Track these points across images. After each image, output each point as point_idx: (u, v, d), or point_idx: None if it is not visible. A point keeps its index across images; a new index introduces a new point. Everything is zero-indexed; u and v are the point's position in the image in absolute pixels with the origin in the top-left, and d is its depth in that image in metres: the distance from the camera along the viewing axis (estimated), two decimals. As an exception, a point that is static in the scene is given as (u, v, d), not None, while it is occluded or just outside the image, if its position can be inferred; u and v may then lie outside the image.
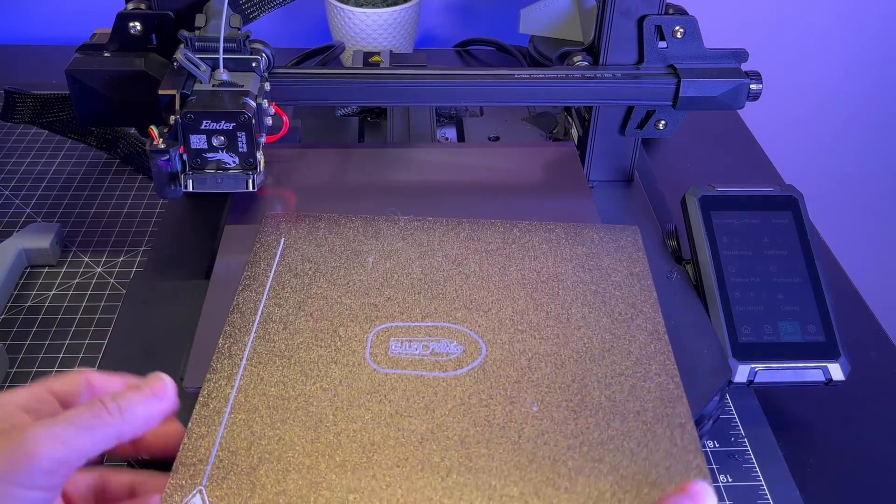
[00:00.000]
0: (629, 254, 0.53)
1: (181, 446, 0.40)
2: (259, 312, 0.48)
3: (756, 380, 0.52)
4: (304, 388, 0.43)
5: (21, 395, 0.37)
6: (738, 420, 0.56)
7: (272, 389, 0.43)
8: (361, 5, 0.94)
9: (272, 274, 0.50)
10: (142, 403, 0.37)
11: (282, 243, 0.53)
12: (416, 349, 0.46)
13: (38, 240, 0.67)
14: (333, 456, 0.40)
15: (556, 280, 0.51)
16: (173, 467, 0.39)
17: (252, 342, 0.46)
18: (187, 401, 0.42)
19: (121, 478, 0.40)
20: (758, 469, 0.52)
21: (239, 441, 0.40)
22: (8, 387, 0.56)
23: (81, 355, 0.59)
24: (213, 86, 0.53)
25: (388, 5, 0.94)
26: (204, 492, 0.38)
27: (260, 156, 0.53)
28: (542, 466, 0.40)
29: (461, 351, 0.46)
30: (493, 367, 0.45)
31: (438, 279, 0.50)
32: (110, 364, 0.49)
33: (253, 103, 0.52)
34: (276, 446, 0.40)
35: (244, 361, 0.45)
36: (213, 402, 0.42)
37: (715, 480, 0.51)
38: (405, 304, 0.48)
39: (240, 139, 0.51)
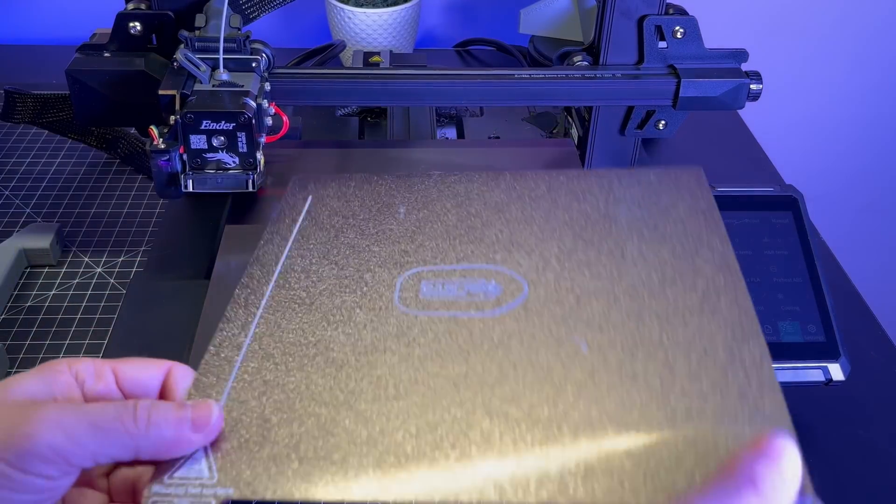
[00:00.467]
0: (692, 191, 0.47)
1: (187, 395, 0.37)
2: (280, 263, 0.45)
3: (756, 380, 0.52)
4: (324, 334, 0.40)
5: (61, 378, 0.34)
6: (738, 420, 0.55)
7: (290, 336, 0.41)
8: (361, 5, 0.94)
9: (297, 228, 0.48)
10: (175, 426, 0.33)
11: (308, 200, 0.50)
12: (451, 290, 0.42)
13: (38, 240, 0.67)
14: (354, 405, 0.37)
15: (607, 219, 0.45)
16: None
17: (271, 291, 0.43)
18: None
19: None
20: (758, 469, 0.52)
21: (250, 391, 0.38)
22: (8, 387, 0.56)
23: (81, 355, 0.59)
24: (213, 86, 0.53)
25: (388, 5, 0.94)
26: (209, 448, 0.35)
27: (260, 156, 0.53)
28: (578, 410, 0.35)
29: (500, 291, 0.41)
30: (536, 306, 0.40)
31: (476, 225, 0.46)
32: (110, 364, 0.49)
33: (253, 103, 0.52)
34: (290, 395, 0.37)
35: (260, 310, 0.42)
36: (224, 351, 0.40)
37: (715, 480, 0.51)
38: (439, 249, 0.45)
39: (240, 139, 0.51)
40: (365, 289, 0.43)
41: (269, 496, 0.35)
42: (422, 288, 0.42)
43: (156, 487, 0.34)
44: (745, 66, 0.61)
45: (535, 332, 0.39)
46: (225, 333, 0.41)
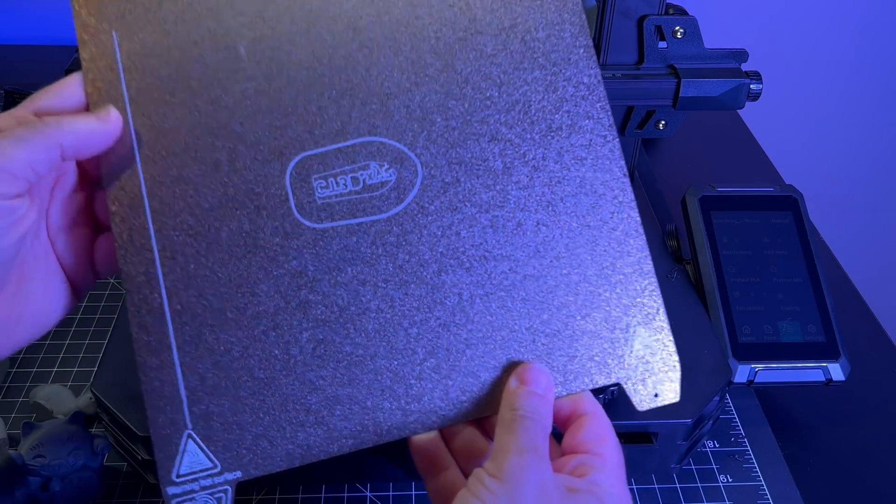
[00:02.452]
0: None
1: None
2: (141, 179, 0.38)
3: (756, 380, 0.52)
4: (245, 277, 0.38)
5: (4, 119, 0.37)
6: (738, 420, 0.56)
7: (209, 288, 0.38)
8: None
9: (127, 104, 0.39)
10: (82, 121, 0.37)
11: (115, 40, 0.39)
12: (346, 184, 0.39)
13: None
14: (304, 354, 0.38)
15: (474, 34, 0.41)
16: None
17: (151, 222, 0.38)
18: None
19: None
20: (758, 469, 0.52)
21: (200, 361, 0.38)
22: (8, 387, 0.56)
23: (81, 355, 0.59)
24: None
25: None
26: (198, 438, 0.37)
27: None
28: (519, 317, 0.39)
29: (396, 176, 0.39)
30: (435, 190, 0.39)
31: (336, 63, 0.40)
32: (110, 364, 0.49)
33: None
34: (246, 362, 0.38)
35: (157, 256, 0.38)
36: (147, 319, 0.38)
37: (715, 480, 0.51)
38: (310, 116, 0.39)
39: None
40: (257, 201, 0.39)
41: (275, 469, 0.37)
42: (315, 188, 0.39)
43: (170, 489, 0.36)
44: (745, 66, 0.61)
45: (446, 224, 0.39)
46: (135, 297, 0.38)
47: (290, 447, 0.37)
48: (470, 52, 0.40)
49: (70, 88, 0.39)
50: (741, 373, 0.52)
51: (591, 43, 0.41)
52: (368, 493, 0.50)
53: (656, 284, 0.40)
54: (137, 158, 0.38)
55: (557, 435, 0.38)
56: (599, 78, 0.41)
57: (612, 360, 0.39)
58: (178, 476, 0.36)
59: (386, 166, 0.39)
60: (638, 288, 0.40)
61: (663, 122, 0.64)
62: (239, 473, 0.37)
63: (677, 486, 0.51)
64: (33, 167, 0.35)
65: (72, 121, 0.37)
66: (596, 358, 0.39)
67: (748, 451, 0.53)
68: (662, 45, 0.61)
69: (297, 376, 0.37)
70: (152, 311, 0.37)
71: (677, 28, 0.60)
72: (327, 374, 0.38)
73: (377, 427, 0.38)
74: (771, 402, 0.57)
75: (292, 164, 0.39)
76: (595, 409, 0.39)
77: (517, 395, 0.37)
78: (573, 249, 0.39)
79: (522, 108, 0.40)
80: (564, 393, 0.39)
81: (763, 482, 0.51)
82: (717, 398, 0.50)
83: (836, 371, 0.53)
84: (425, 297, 0.39)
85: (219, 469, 0.36)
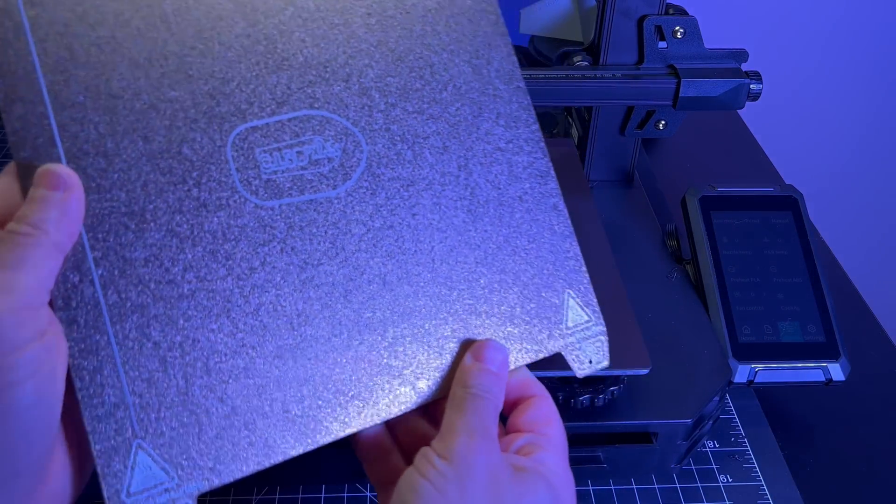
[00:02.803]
0: None
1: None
2: (58, 146, 0.34)
3: (756, 380, 0.52)
4: (186, 261, 0.35)
5: None
6: (738, 420, 0.56)
7: (146, 272, 0.34)
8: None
9: (38, 69, 0.34)
10: (49, 206, 0.32)
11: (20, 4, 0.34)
12: (291, 159, 0.37)
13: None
14: (261, 346, 0.35)
15: (403, 12, 0.41)
16: None
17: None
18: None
19: None
20: (758, 469, 0.52)
21: (146, 360, 0.34)
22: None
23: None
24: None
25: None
26: (150, 448, 0.33)
27: None
28: (461, 294, 0.39)
29: (341, 152, 0.38)
30: (379, 167, 0.39)
31: (270, 32, 0.38)
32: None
33: None
34: (195, 354, 0.34)
35: (86, 241, 0.34)
36: (79, 314, 0.33)
37: (715, 480, 0.51)
38: (247, 84, 0.37)
39: None
40: (195, 174, 0.35)
41: (240, 475, 0.34)
42: (259, 162, 0.36)
43: None
44: (745, 66, 0.61)
45: (392, 205, 0.39)
46: (63, 287, 0.33)
47: (254, 449, 0.34)
48: (401, 31, 0.40)
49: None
50: (741, 373, 0.52)
51: (507, 32, 0.43)
52: (368, 493, 0.50)
53: (580, 254, 0.42)
54: (53, 123, 0.34)
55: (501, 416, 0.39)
56: (519, 73, 0.43)
57: (551, 329, 0.40)
58: (128, 494, 0.32)
59: (331, 141, 0.38)
60: (569, 263, 0.41)
61: (663, 122, 0.64)
62: (200, 485, 0.33)
63: (677, 486, 0.51)
64: (44, 285, 0.31)
65: (40, 215, 0.32)
66: (536, 328, 0.40)
67: (748, 451, 0.53)
68: (662, 45, 0.61)
69: (254, 369, 0.35)
70: (84, 303, 0.33)
71: (677, 28, 0.60)
72: (287, 366, 0.35)
73: (341, 420, 0.36)
74: (771, 402, 0.57)
75: (234, 134, 0.36)
76: (542, 391, 0.39)
77: (471, 373, 0.37)
78: (512, 224, 0.40)
79: (454, 89, 0.41)
80: (511, 367, 0.39)
81: (763, 482, 0.51)
82: (717, 398, 0.50)
83: (836, 371, 0.53)
84: (376, 280, 0.38)
85: (176, 482, 0.33)
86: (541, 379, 0.49)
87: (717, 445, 0.54)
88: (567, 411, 0.48)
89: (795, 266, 0.55)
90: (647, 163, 0.74)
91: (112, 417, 0.32)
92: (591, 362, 0.41)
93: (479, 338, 0.39)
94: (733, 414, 0.56)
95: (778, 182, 0.79)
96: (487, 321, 0.39)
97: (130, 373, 0.33)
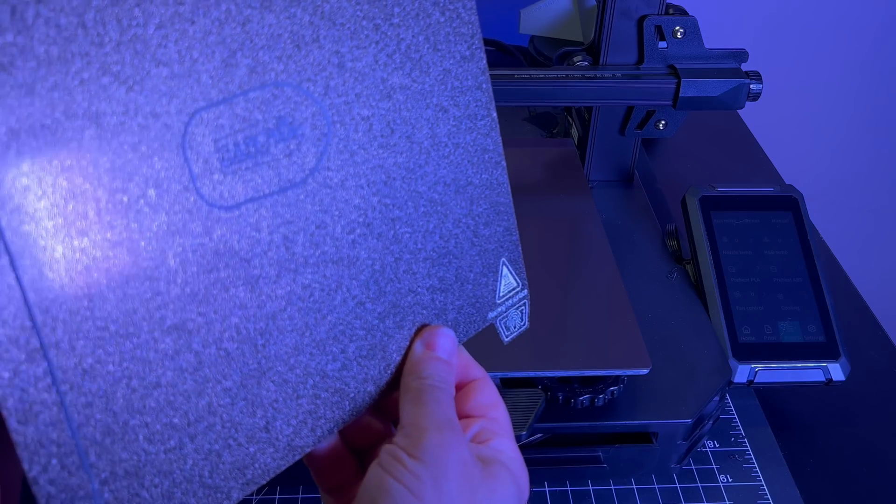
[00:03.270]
0: None
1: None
2: None
3: (756, 380, 0.52)
4: (128, 274, 0.29)
5: None
6: (738, 420, 0.56)
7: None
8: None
9: None
10: None
11: None
12: (256, 148, 0.31)
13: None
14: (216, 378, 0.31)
15: None
16: None
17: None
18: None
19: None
20: (758, 469, 0.52)
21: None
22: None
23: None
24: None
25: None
26: (101, 486, 0.29)
27: None
28: (403, 282, 0.37)
29: (306, 132, 0.33)
30: (346, 145, 0.34)
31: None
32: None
33: None
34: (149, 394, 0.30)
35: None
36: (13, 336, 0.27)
37: (715, 480, 0.51)
38: (187, 63, 0.30)
39: None
40: (150, 175, 0.29)
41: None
42: (222, 152, 0.31)
43: None
44: (745, 66, 0.61)
45: (364, 183, 0.35)
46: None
47: (229, 480, 0.32)
48: None
49: None
50: (741, 373, 0.52)
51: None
52: (368, 493, 0.50)
53: (514, 218, 0.40)
54: None
55: None
56: (482, 55, 0.39)
57: (488, 302, 0.39)
58: None
59: (292, 119, 0.33)
60: (503, 227, 0.40)
61: (663, 122, 0.64)
62: None
63: (677, 486, 0.51)
64: None
65: None
66: (476, 304, 0.39)
67: (748, 451, 0.53)
68: (662, 45, 0.61)
69: (212, 388, 0.32)
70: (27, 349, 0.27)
71: (677, 28, 0.60)
72: (252, 383, 0.33)
73: (312, 431, 0.35)
74: (771, 402, 0.57)
75: (188, 122, 0.30)
76: (482, 373, 0.38)
77: (424, 362, 0.35)
78: (460, 199, 0.38)
79: (415, 63, 0.36)
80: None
81: (763, 482, 0.51)
82: (717, 398, 0.50)
83: (836, 371, 0.53)
84: (342, 275, 0.35)
85: None
86: (540, 379, 0.49)
87: (717, 445, 0.54)
88: (567, 411, 0.48)
89: (795, 266, 0.56)
90: (647, 163, 0.74)
91: (58, 463, 0.28)
92: (515, 327, 0.41)
93: (422, 321, 0.37)
94: (733, 414, 0.56)
95: (778, 182, 0.79)
96: (443, 300, 0.38)
97: (77, 406, 0.29)
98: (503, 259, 0.40)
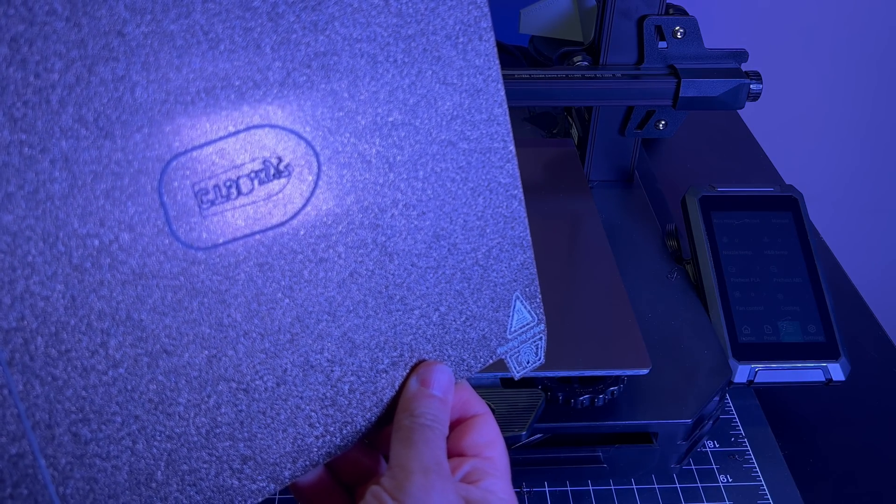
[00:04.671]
0: None
1: None
2: None
3: (756, 380, 0.52)
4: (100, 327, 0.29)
5: None
6: (738, 420, 0.56)
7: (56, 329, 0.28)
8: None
9: None
10: None
11: None
12: (238, 190, 0.31)
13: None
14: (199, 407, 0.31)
15: None
16: None
17: None
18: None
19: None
20: (758, 469, 0.52)
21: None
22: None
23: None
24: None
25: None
26: None
27: None
28: (401, 315, 0.36)
29: (292, 171, 0.32)
30: (336, 184, 0.33)
31: (190, 39, 0.29)
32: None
33: None
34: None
35: None
36: None
37: (715, 480, 0.51)
38: (168, 104, 0.29)
39: None
40: (126, 222, 0.29)
41: None
42: (197, 199, 0.30)
43: None
44: (745, 66, 0.61)
45: (354, 220, 0.34)
46: None
47: None
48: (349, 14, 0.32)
49: None
50: (741, 373, 0.52)
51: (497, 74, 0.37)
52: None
53: (532, 254, 0.39)
54: None
55: None
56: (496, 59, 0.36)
57: (497, 337, 0.38)
58: None
59: (280, 160, 0.31)
60: (519, 262, 0.39)
61: (663, 122, 0.64)
62: None
63: (677, 486, 0.51)
64: None
65: None
66: (484, 338, 0.38)
67: (748, 451, 0.53)
68: (662, 45, 0.61)
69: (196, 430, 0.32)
70: None
71: (677, 28, 0.60)
72: (231, 421, 0.32)
73: (294, 462, 0.34)
74: (771, 402, 0.57)
75: (165, 168, 0.29)
76: (483, 408, 0.37)
77: (417, 400, 0.34)
78: (468, 234, 0.37)
79: (420, 97, 0.35)
80: (460, 379, 0.38)
81: (763, 482, 0.51)
82: (717, 398, 0.50)
83: (836, 371, 0.53)
84: (325, 317, 0.34)
85: None
86: (540, 379, 0.49)
87: (717, 445, 0.54)
88: (567, 411, 0.48)
89: (795, 266, 0.56)
90: (647, 163, 0.74)
91: None
92: (528, 363, 0.40)
93: (419, 356, 0.36)
94: (733, 414, 0.56)
95: (778, 182, 0.79)
96: (442, 335, 0.37)
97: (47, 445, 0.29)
98: (517, 293, 0.39)
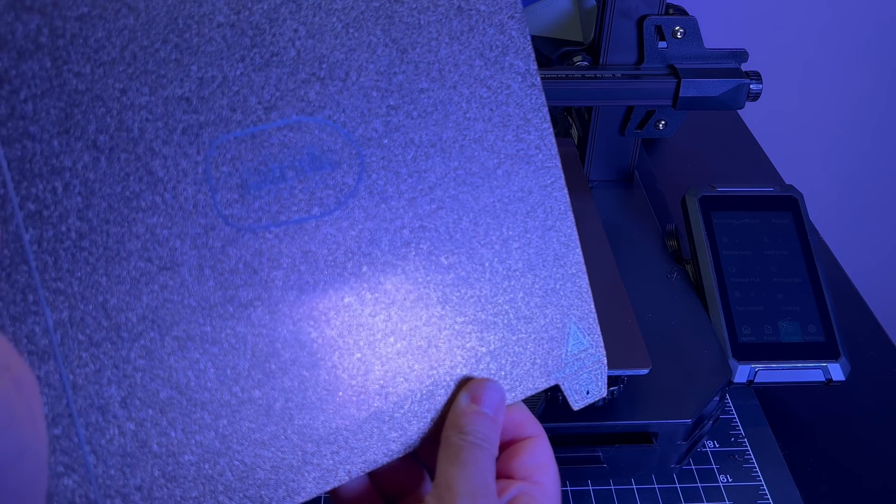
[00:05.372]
0: None
1: None
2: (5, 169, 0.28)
3: (756, 380, 0.52)
4: (150, 304, 0.30)
5: None
6: (738, 420, 0.56)
7: (103, 317, 0.29)
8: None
9: None
10: None
11: None
12: (278, 176, 0.32)
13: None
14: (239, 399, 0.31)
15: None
16: None
17: (30, 240, 0.28)
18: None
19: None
20: (758, 469, 0.52)
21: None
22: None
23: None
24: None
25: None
26: None
27: None
28: (455, 327, 0.35)
29: (336, 165, 0.33)
30: (379, 180, 0.34)
31: (258, 20, 0.31)
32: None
33: None
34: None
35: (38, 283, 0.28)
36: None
37: (715, 480, 0.51)
38: (229, 85, 0.31)
39: None
40: (168, 197, 0.30)
41: None
42: (244, 181, 0.31)
43: None
44: (745, 66, 0.61)
45: (397, 216, 0.34)
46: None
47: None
48: (408, 20, 0.34)
49: None
50: (741, 373, 0.52)
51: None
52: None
53: (587, 280, 0.39)
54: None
55: None
56: (539, 86, 0.37)
57: (551, 362, 0.38)
58: None
59: (325, 153, 0.32)
60: (576, 288, 0.38)
61: (663, 122, 0.64)
62: None
63: (677, 486, 0.51)
64: None
65: None
66: (537, 362, 0.38)
67: (748, 451, 0.53)
68: (662, 45, 0.61)
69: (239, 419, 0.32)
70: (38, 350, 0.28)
71: (677, 28, 0.60)
72: (263, 420, 0.32)
73: (322, 476, 0.34)
74: (771, 402, 0.57)
75: (213, 148, 0.30)
76: (539, 431, 0.36)
77: (467, 417, 0.33)
78: (527, 255, 0.37)
79: (464, 91, 0.35)
80: (508, 402, 0.37)
81: (763, 482, 0.51)
82: (717, 398, 0.50)
83: (836, 371, 0.53)
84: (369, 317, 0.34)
85: None
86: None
87: (717, 445, 0.54)
88: (567, 411, 0.48)
89: (795, 266, 0.55)
90: (647, 163, 0.74)
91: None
92: (588, 393, 0.39)
93: (474, 374, 0.36)
94: (733, 414, 0.56)
95: (778, 182, 0.79)
96: (496, 354, 0.36)
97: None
98: (573, 321, 0.38)
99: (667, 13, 0.61)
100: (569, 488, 0.51)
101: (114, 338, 0.29)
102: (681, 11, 0.61)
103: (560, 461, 0.50)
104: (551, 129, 0.37)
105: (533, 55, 0.36)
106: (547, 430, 0.48)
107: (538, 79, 0.36)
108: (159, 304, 0.30)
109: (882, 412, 0.57)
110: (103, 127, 0.29)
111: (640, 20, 0.60)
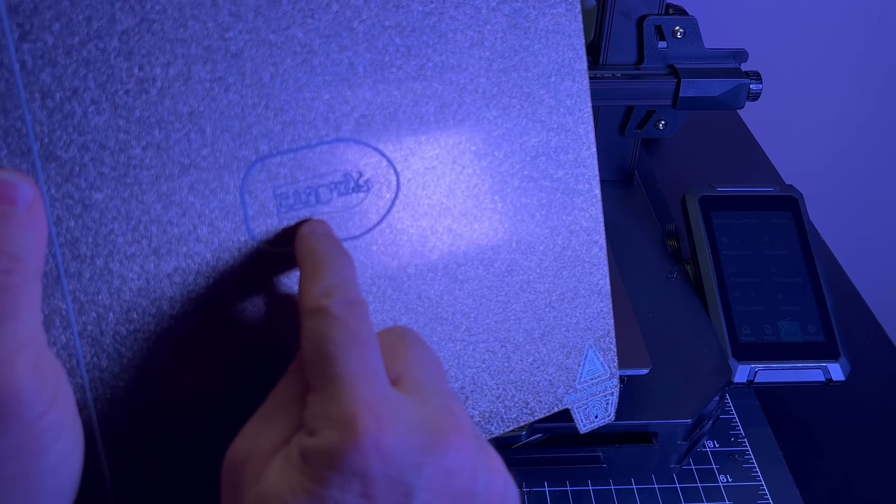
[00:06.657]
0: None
1: None
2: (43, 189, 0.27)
3: (756, 380, 0.52)
4: (181, 318, 0.30)
5: None
6: (738, 420, 0.56)
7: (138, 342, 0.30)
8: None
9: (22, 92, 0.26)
10: (16, 226, 0.25)
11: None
12: (315, 197, 0.31)
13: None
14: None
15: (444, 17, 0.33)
16: None
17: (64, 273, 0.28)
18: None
19: None
20: (758, 469, 0.52)
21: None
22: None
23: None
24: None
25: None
26: None
27: None
28: (478, 350, 0.36)
29: (371, 187, 0.32)
30: (411, 205, 0.34)
31: (287, 50, 0.30)
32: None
33: None
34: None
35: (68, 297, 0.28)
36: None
37: (715, 480, 0.51)
38: (260, 109, 0.30)
39: None
40: (201, 209, 0.30)
41: None
42: (277, 202, 0.31)
43: None
44: (745, 66, 0.61)
45: (432, 229, 0.34)
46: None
47: None
48: (461, 35, 0.33)
49: None
50: (741, 373, 0.52)
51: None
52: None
53: (610, 304, 0.39)
54: (38, 165, 0.27)
55: None
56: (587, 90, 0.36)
57: (565, 385, 0.38)
58: None
59: (360, 175, 0.32)
60: (595, 310, 0.38)
61: (663, 122, 0.64)
62: None
63: (677, 486, 0.51)
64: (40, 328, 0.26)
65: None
66: (551, 384, 0.38)
67: (748, 451, 0.53)
68: (662, 45, 0.61)
69: None
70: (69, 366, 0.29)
71: (677, 28, 0.60)
72: None
73: None
74: (771, 402, 0.57)
75: (250, 169, 0.30)
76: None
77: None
78: (543, 274, 0.37)
79: (505, 132, 0.35)
80: (521, 424, 0.37)
81: (763, 482, 0.51)
82: (717, 398, 0.50)
83: (836, 371, 0.53)
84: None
85: None
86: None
87: (717, 445, 0.54)
88: (567, 411, 0.48)
89: (795, 266, 0.55)
90: (647, 163, 0.74)
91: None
92: (596, 417, 0.39)
93: (480, 390, 0.36)
94: (733, 414, 0.56)
95: (778, 182, 0.79)
96: (510, 375, 0.36)
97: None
98: (590, 342, 0.38)
99: (667, 13, 0.61)
100: (569, 488, 0.51)
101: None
102: (681, 11, 0.61)
103: (560, 461, 0.50)
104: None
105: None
106: (547, 430, 0.48)
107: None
108: None
109: (882, 412, 0.57)
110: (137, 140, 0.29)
111: (640, 20, 0.60)
